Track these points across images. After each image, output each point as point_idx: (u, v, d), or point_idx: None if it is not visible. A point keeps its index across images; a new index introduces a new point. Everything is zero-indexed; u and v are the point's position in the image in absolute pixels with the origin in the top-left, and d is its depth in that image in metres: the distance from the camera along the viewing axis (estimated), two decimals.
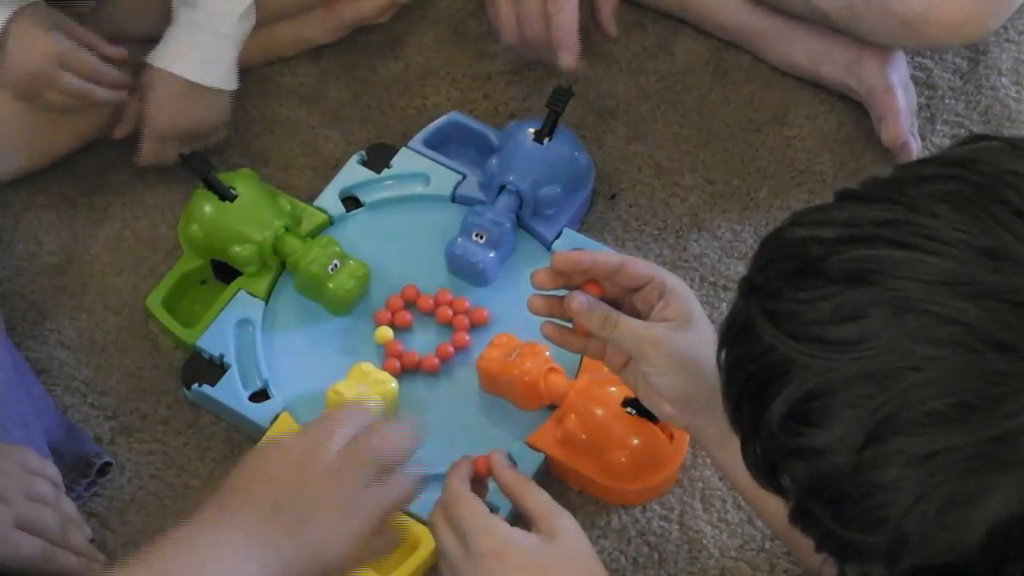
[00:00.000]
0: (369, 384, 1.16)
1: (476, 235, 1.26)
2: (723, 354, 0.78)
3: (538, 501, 1.01)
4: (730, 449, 0.91)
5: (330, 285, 1.24)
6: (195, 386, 1.22)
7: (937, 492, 0.70)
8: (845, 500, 0.73)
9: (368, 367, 1.18)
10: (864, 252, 0.72)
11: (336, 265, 1.24)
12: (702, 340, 1.00)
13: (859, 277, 0.72)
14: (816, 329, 0.72)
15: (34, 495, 1.08)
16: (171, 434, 1.23)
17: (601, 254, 1.04)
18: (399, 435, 0.97)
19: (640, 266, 1.03)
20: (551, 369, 1.18)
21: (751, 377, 0.76)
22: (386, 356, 1.24)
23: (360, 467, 0.94)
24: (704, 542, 1.17)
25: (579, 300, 1.01)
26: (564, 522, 0.99)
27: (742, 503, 1.18)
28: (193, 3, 1.28)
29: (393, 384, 1.18)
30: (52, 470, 1.11)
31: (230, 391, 1.21)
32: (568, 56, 1.29)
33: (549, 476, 1.18)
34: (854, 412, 0.71)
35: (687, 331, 1.00)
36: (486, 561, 0.96)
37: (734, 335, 0.77)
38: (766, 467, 0.77)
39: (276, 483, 0.92)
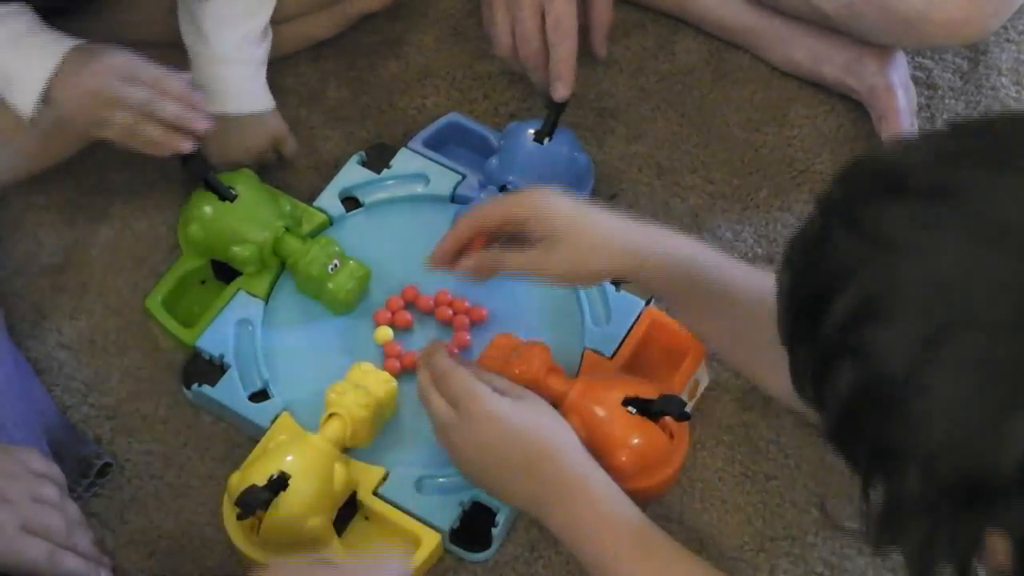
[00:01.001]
0: (369, 384, 1.16)
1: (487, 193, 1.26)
2: (786, 272, 0.81)
3: (503, 381, 1.12)
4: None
5: (330, 285, 1.24)
6: (195, 386, 1.22)
7: (988, 397, 0.72)
8: (894, 401, 0.74)
9: (368, 367, 1.18)
10: (949, 170, 0.75)
11: (336, 265, 1.25)
12: (599, 233, 1.11)
13: (940, 192, 0.74)
14: (889, 234, 0.75)
15: (39, 497, 1.08)
16: (171, 434, 1.23)
17: (476, 217, 1.15)
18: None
19: (494, 215, 1.14)
20: (551, 369, 1.18)
21: (817, 281, 0.78)
22: (386, 356, 1.24)
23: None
24: (704, 542, 1.17)
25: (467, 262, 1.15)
26: (530, 393, 1.12)
27: (742, 503, 1.18)
28: (205, 39, 1.28)
29: (393, 384, 1.18)
30: (57, 472, 1.11)
31: (230, 391, 1.21)
32: (563, 88, 1.29)
33: None
34: (915, 314, 0.73)
35: (570, 241, 1.11)
36: (478, 423, 1.08)
37: (803, 247, 0.80)
38: (817, 373, 0.78)
39: None
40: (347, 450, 1.17)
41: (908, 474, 0.75)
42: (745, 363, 1.14)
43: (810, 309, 0.78)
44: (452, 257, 1.16)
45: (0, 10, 1.20)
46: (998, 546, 0.75)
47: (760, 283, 1.06)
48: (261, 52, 1.32)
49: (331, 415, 1.15)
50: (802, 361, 0.80)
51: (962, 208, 0.74)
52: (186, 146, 1.25)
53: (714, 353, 1.20)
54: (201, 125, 1.24)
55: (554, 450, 1.08)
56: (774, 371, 1.04)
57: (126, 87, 1.22)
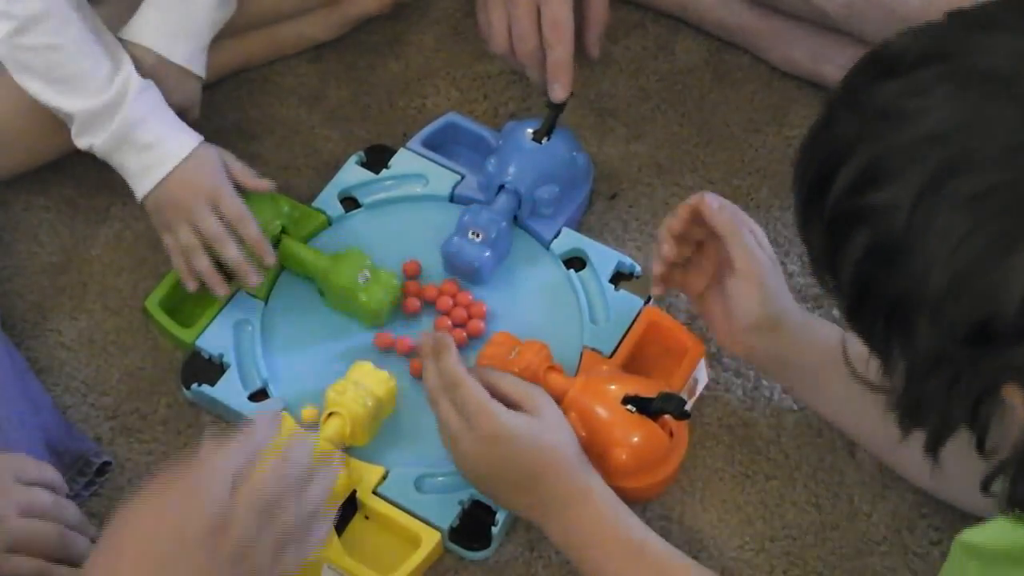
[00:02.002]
0: (369, 383, 1.16)
1: (472, 233, 1.26)
2: (798, 163, 0.85)
3: (512, 384, 1.11)
4: (792, 371, 1.14)
5: (363, 299, 1.24)
6: (194, 386, 1.22)
7: (987, 232, 0.75)
8: (900, 255, 0.77)
9: (368, 366, 1.18)
10: (939, 40, 0.80)
11: (367, 276, 1.24)
12: (780, 284, 1.13)
13: (932, 56, 0.79)
14: (884, 106, 0.79)
15: (29, 508, 1.06)
16: (171, 434, 1.23)
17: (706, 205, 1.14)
18: (294, 461, 0.92)
19: (722, 216, 1.14)
20: (551, 367, 1.18)
21: (822, 160, 0.82)
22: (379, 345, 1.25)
23: (249, 511, 0.87)
24: (704, 542, 1.17)
25: (709, 200, 1.13)
26: (541, 398, 1.11)
27: (742, 503, 1.18)
28: None
29: (393, 383, 1.18)
30: (51, 474, 1.09)
31: (229, 391, 1.21)
32: (561, 90, 1.29)
33: None
34: (912, 168, 0.77)
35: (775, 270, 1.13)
36: (488, 441, 1.08)
37: (811, 137, 0.84)
38: (830, 250, 0.82)
39: (153, 546, 0.85)
40: (347, 448, 1.17)
41: (920, 328, 0.78)
42: (876, 446, 1.16)
43: (819, 188, 0.82)
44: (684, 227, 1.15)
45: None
46: (1016, 399, 0.77)
47: None
48: (215, 16, 1.30)
49: (331, 414, 1.15)
50: (817, 244, 0.84)
51: (951, 66, 0.78)
52: (220, 291, 1.24)
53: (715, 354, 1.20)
54: (253, 280, 1.24)
55: (557, 464, 1.08)
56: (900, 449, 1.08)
57: (207, 214, 1.22)
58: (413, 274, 1.29)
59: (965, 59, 0.78)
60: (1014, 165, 0.75)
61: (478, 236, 1.26)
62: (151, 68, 1.27)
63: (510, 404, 1.10)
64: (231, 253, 1.22)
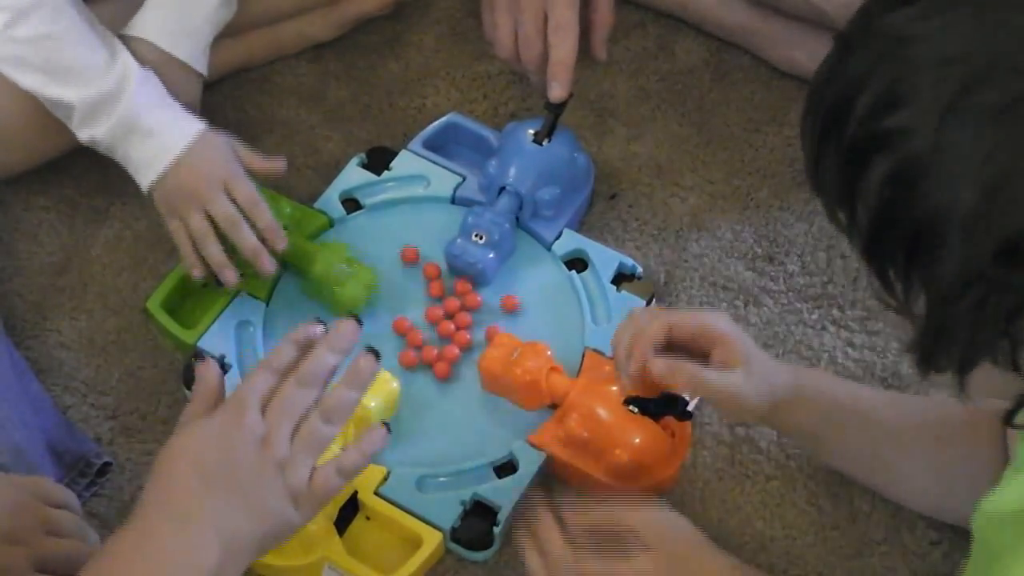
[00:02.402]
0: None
1: (475, 235, 1.26)
2: (809, 99, 0.82)
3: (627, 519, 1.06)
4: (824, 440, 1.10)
5: (336, 290, 1.24)
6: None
7: (1014, 140, 0.73)
8: (925, 178, 0.75)
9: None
10: None
11: (344, 269, 1.24)
12: (764, 367, 1.08)
13: None
14: (901, 31, 0.76)
15: (53, 528, 1.05)
16: (171, 434, 1.23)
17: (667, 322, 1.08)
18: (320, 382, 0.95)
19: (687, 325, 1.07)
20: (552, 368, 1.18)
21: (838, 92, 0.79)
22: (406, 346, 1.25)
23: (285, 423, 0.92)
24: None
25: (659, 365, 1.06)
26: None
27: (742, 503, 1.18)
28: None
29: (395, 384, 1.17)
30: (71, 498, 1.09)
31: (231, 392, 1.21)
32: (559, 89, 1.29)
33: (551, 475, 1.18)
34: (936, 87, 0.74)
35: (750, 369, 1.06)
36: None
37: (824, 66, 0.81)
38: (848, 182, 0.79)
39: (203, 458, 0.90)
40: None
41: (948, 250, 0.75)
42: (885, 485, 1.15)
43: (835, 120, 0.79)
44: (646, 356, 1.08)
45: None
46: None
47: (894, 402, 1.12)
48: (218, 17, 1.31)
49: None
50: (833, 180, 0.81)
51: None
52: (231, 280, 1.23)
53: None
54: (268, 268, 1.23)
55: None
56: (911, 483, 1.09)
57: (220, 198, 1.21)
58: (412, 260, 1.29)
59: None
60: None
61: (481, 238, 1.26)
62: (153, 64, 1.26)
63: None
64: (246, 237, 1.22)
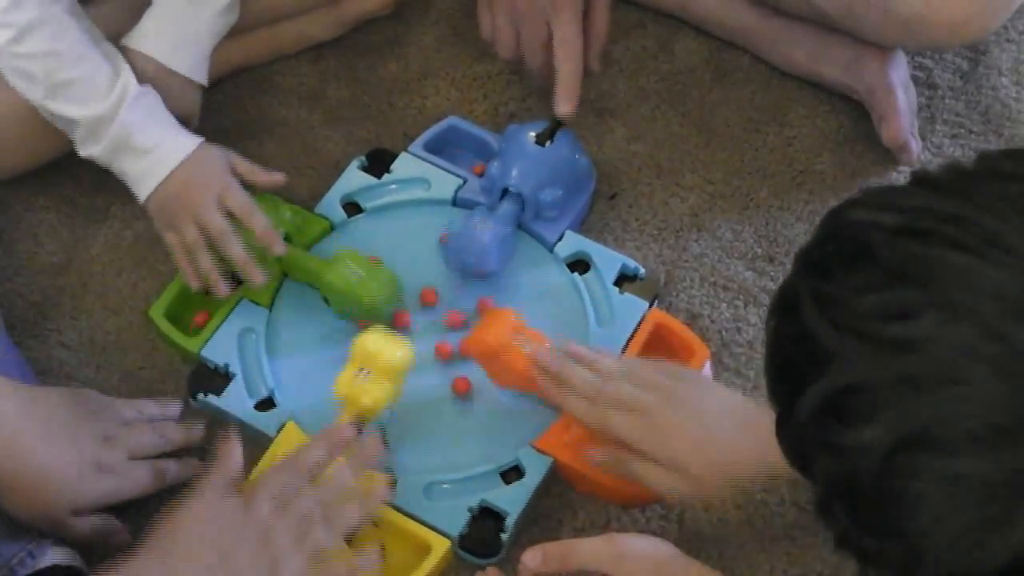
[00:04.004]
0: (377, 363, 1.14)
1: (479, 223, 1.26)
2: (771, 324, 0.77)
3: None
4: None
5: (360, 293, 1.23)
6: (201, 396, 1.22)
7: (961, 514, 0.68)
8: (867, 505, 0.71)
9: (377, 338, 1.15)
10: (921, 249, 0.70)
11: (359, 273, 1.24)
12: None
13: (912, 274, 0.70)
14: (861, 323, 0.70)
15: (125, 419, 1.15)
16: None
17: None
18: (335, 486, 1.05)
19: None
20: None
21: (792, 358, 0.74)
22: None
23: (290, 525, 1.01)
24: (704, 542, 1.17)
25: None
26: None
27: (742, 503, 1.18)
28: None
29: (408, 352, 1.15)
30: (150, 408, 1.19)
31: (236, 400, 1.21)
32: (567, 105, 1.30)
33: (557, 479, 1.18)
34: (887, 416, 0.69)
35: None
36: None
37: (782, 310, 0.76)
38: (798, 452, 0.76)
39: (205, 546, 0.99)
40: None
41: (888, 561, 0.73)
42: None
43: (788, 384, 0.75)
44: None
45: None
46: None
47: None
48: (218, 26, 1.31)
49: (347, 411, 1.14)
50: (786, 435, 0.77)
51: (936, 298, 0.69)
52: (222, 292, 1.24)
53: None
54: (259, 279, 1.23)
55: None
56: None
57: (213, 210, 1.22)
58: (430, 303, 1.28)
59: (950, 288, 0.69)
60: (985, 453, 0.68)
61: (485, 225, 1.26)
62: (152, 77, 1.27)
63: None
64: (235, 251, 1.22)
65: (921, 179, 0.74)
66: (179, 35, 1.29)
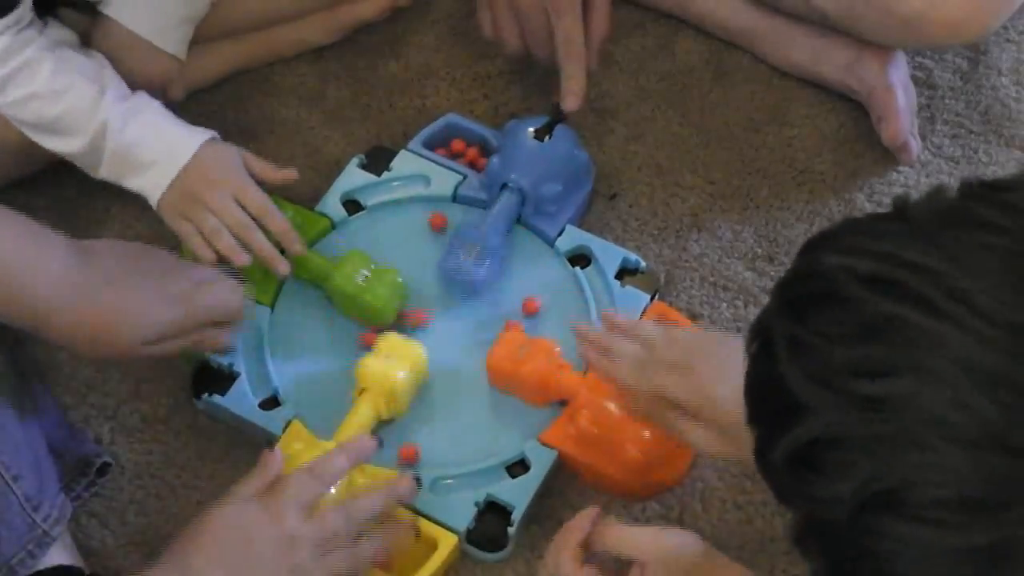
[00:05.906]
0: (399, 354, 1.17)
1: (468, 249, 1.26)
2: (748, 355, 0.76)
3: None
4: None
5: (368, 297, 1.23)
6: (205, 396, 1.22)
7: (936, 573, 0.68)
8: (841, 551, 0.71)
9: (394, 338, 1.19)
10: (891, 306, 0.69)
11: (366, 276, 1.24)
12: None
13: (884, 331, 0.69)
14: (834, 377, 0.69)
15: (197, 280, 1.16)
16: (171, 434, 1.23)
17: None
18: (356, 507, 1.07)
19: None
20: (560, 366, 1.19)
21: (766, 399, 0.74)
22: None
23: (316, 538, 1.03)
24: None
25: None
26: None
27: (742, 503, 1.18)
28: None
29: (422, 352, 1.18)
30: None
31: (240, 400, 1.21)
32: (575, 101, 1.31)
33: (562, 472, 1.18)
34: (858, 473, 0.68)
35: None
36: None
37: (759, 345, 0.75)
38: (774, 487, 0.75)
39: (230, 536, 1.01)
40: (386, 422, 1.18)
41: None
42: None
43: (763, 424, 0.75)
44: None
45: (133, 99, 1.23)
46: None
47: None
48: (194, 8, 1.30)
49: (362, 390, 1.15)
50: (762, 469, 0.76)
51: (907, 361, 0.68)
52: (243, 261, 1.22)
53: None
54: (283, 270, 1.23)
55: None
56: None
57: (231, 205, 1.22)
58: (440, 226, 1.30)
59: (921, 352, 0.68)
60: (951, 524, 0.67)
61: (473, 252, 1.25)
62: (119, 41, 1.26)
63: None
64: (260, 241, 1.22)
65: (900, 212, 0.73)
66: (152, 10, 1.27)
